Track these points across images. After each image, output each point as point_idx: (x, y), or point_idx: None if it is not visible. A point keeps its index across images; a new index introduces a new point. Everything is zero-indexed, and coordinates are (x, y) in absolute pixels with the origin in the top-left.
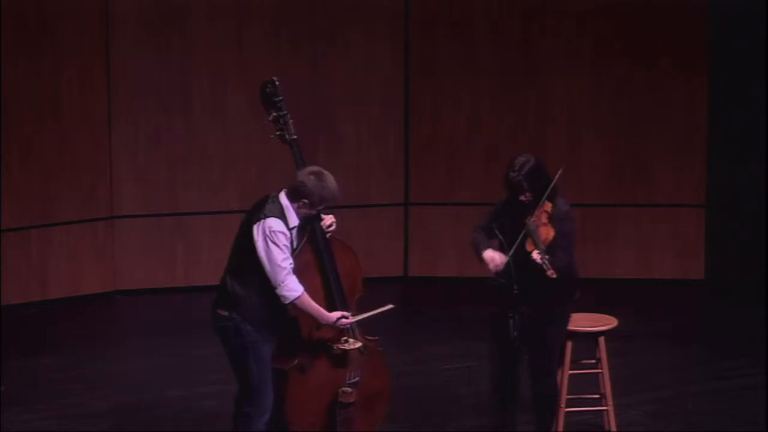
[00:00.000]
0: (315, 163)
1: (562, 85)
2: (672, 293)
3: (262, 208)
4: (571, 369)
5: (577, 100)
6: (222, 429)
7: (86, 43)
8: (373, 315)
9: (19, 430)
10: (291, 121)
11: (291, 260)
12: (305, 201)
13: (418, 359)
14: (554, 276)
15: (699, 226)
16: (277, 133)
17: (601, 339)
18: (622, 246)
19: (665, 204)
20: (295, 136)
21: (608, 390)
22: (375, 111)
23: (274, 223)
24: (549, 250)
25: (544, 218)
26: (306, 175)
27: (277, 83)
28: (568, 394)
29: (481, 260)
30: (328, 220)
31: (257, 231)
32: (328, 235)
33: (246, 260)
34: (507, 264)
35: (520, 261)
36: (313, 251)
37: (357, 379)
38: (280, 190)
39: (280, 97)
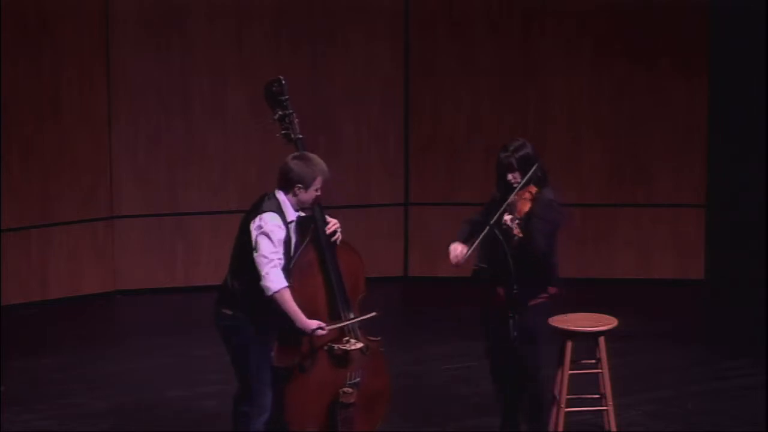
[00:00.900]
0: None
1: (562, 85)
2: (672, 293)
3: (259, 206)
4: (571, 369)
5: (577, 100)
6: (222, 429)
7: (86, 43)
8: (353, 322)
9: (19, 430)
10: (296, 120)
11: (281, 255)
12: (299, 186)
13: (418, 359)
14: (520, 235)
15: (699, 226)
16: (283, 132)
17: (601, 339)
18: (622, 246)
19: (665, 204)
20: (300, 136)
21: (608, 390)
22: (375, 111)
23: (269, 217)
24: (525, 225)
25: (526, 196)
26: (290, 162)
27: (283, 82)
28: (568, 394)
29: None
30: (333, 226)
31: (254, 225)
32: (335, 242)
33: (247, 259)
34: (484, 249)
35: (509, 253)
36: (316, 251)
37: (358, 379)
38: (276, 188)
39: (286, 96)
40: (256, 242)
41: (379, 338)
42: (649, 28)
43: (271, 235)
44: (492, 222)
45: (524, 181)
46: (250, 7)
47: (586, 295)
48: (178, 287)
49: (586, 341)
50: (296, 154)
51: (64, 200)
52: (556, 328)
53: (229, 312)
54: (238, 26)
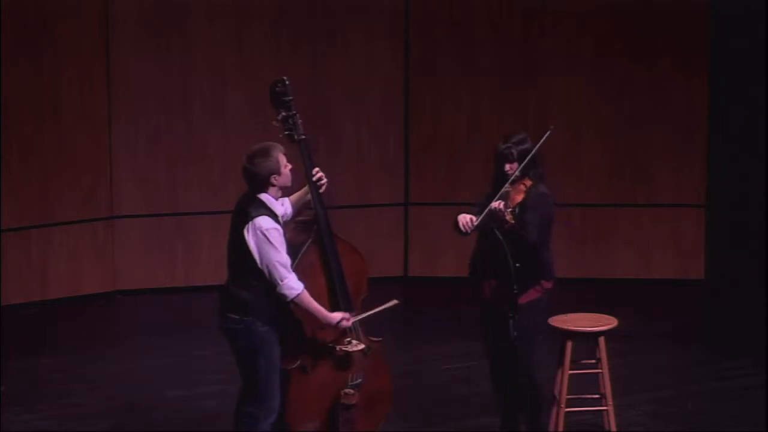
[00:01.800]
0: (316, 164)
1: (562, 85)
2: (672, 293)
3: (246, 209)
4: (571, 369)
5: (577, 100)
6: (222, 429)
7: (86, 43)
8: (376, 312)
9: (19, 430)
10: (300, 121)
11: (287, 257)
12: (274, 177)
13: (418, 359)
14: (512, 222)
15: (699, 226)
16: (286, 132)
17: (601, 339)
18: (622, 246)
19: (665, 204)
20: (303, 136)
21: (608, 390)
22: (375, 111)
23: (263, 222)
24: (518, 216)
25: (520, 188)
26: (250, 167)
27: (287, 82)
28: (568, 394)
29: (456, 225)
30: (317, 174)
31: (248, 233)
32: (321, 190)
33: (244, 263)
34: (481, 246)
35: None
36: (318, 251)
37: (359, 380)
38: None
39: (290, 97)
40: (259, 252)
41: (380, 339)
42: (649, 28)
43: (271, 239)
44: (487, 210)
45: (520, 168)
46: (250, 7)
47: (586, 295)
48: (178, 287)
49: (586, 341)
50: (250, 153)
51: (64, 200)
52: (556, 328)
53: (236, 316)
54: (238, 26)
